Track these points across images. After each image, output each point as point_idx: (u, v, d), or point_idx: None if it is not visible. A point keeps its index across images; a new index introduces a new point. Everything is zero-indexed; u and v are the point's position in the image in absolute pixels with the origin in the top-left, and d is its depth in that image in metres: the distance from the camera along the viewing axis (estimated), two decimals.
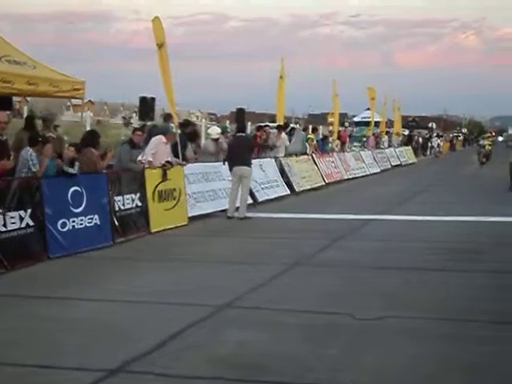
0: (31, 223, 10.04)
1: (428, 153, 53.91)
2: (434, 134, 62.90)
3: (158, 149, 13.86)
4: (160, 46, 15.08)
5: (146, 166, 13.45)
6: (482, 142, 44.36)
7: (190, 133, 16.86)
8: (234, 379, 5.36)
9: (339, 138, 31.62)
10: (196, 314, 7.14)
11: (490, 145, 44.18)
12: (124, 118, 19.56)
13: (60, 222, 10.57)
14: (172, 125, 15.08)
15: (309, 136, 26.74)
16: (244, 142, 16.01)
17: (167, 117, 16.52)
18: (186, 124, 17.40)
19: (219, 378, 5.35)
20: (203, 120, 36.15)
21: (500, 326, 6.87)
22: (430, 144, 55.49)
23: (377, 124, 40.88)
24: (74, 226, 10.84)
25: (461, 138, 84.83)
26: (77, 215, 10.95)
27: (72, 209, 10.88)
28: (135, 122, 22.23)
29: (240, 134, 16.57)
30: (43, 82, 12.66)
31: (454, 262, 10.24)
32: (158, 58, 15.08)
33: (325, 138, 29.91)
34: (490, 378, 5.45)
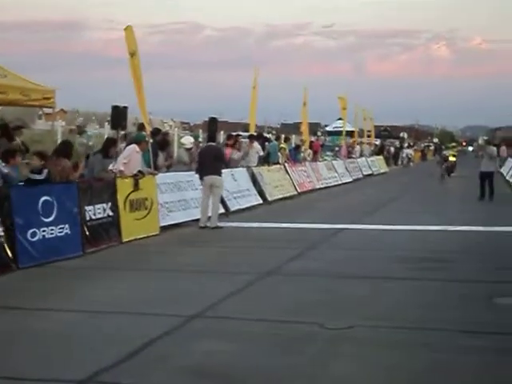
0: (0, 233, 9.98)
1: (400, 162, 54.35)
2: (405, 145, 63.23)
3: (131, 158, 13.84)
4: (132, 54, 15.09)
5: (118, 175, 13.43)
6: (445, 153, 39.10)
7: (160, 141, 16.87)
8: None
9: (311, 147, 31.78)
10: (166, 324, 7.15)
11: (454, 155, 38.96)
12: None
13: (30, 231, 10.52)
14: (145, 133, 15.08)
15: (281, 145, 26.87)
16: (214, 152, 16.00)
17: (141, 126, 16.51)
18: (156, 132, 17.39)
19: None
20: (176, 129, 36.06)
21: (465, 335, 6.95)
22: (400, 154, 55.80)
23: (349, 133, 41.17)
24: (44, 236, 10.80)
25: (432, 147, 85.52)
26: (47, 225, 10.91)
27: (42, 218, 10.84)
28: (107, 131, 22.12)
29: (210, 143, 16.59)
30: (13, 91, 12.64)
31: (422, 270, 10.33)
32: (131, 66, 15.08)
33: (297, 147, 30.07)
34: None
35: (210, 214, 15.44)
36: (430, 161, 66.71)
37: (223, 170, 17.32)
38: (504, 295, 8.63)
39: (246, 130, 27.52)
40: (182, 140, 19.22)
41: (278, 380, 5.56)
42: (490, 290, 8.92)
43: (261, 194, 21.27)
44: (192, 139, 18.65)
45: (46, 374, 5.65)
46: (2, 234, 9.99)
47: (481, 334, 6.93)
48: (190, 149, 17.73)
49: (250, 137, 23.03)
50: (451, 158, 42.79)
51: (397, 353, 6.31)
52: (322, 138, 43.10)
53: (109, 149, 13.97)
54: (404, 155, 56.34)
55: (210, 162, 15.52)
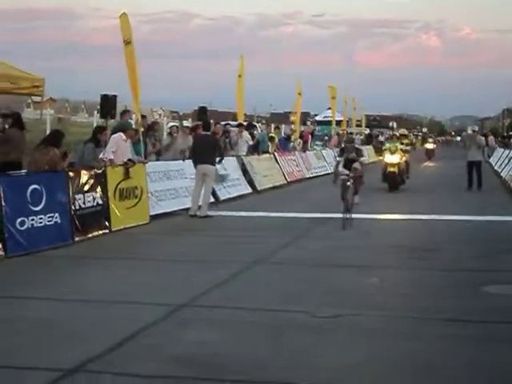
0: None
1: None
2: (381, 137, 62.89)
3: (117, 146, 13.79)
4: (127, 42, 15.04)
5: (108, 164, 13.39)
6: (388, 147, 23.15)
7: (146, 128, 16.85)
8: (191, 378, 5.39)
9: (301, 137, 31.79)
10: (154, 313, 7.15)
11: (405, 152, 24.83)
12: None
13: (19, 220, 10.49)
14: (131, 121, 15.03)
15: (271, 134, 26.86)
16: (209, 141, 16.00)
17: (124, 113, 16.46)
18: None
19: (176, 377, 5.38)
20: (165, 118, 35.99)
21: (454, 324, 6.99)
22: None
23: (338, 123, 41.18)
24: (33, 225, 10.77)
25: (420, 137, 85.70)
26: (36, 213, 10.87)
27: (31, 207, 10.81)
28: (96, 119, 22.05)
29: (205, 132, 16.55)
30: (1, 79, 12.58)
31: (410, 259, 10.37)
32: (125, 54, 15.02)
33: (288, 137, 30.03)
34: (442, 377, 5.55)
35: (200, 203, 15.44)
36: (418, 150, 67.01)
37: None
38: (492, 283, 8.68)
39: (236, 119, 27.50)
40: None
41: (266, 368, 5.57)
42: (478, 279, 8.96)
43: (250, 183, 21.28)
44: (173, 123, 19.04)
45: (34, 363, 5.65)
46: None
47: (469, 323, 6.98)
48: (177, 127, 18.07)
49: (239, 125, 22.98)
50: (429, 146, 48.25)
51: (383, 341, 6.33)
52: (312, 127, 42.99)
53: (100, 137, 13.92)
54: None
55: (204, 151, 15.51)
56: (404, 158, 23.11)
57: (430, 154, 47.93)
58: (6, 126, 13.35)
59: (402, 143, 24.80)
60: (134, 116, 16.82)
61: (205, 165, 15.47)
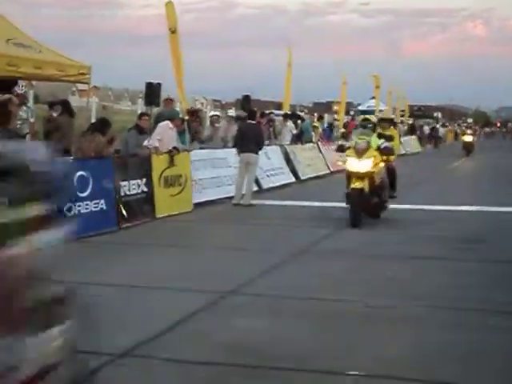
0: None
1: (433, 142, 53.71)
2: (438, 125, 62.33)
3: (164, 134, 13.85)
4: (172, 31, 15.12)
5: (153, 151, 13.45)
6: (354, 142, 13.13)
7: (194, 119, 16.95)
8: (240, 365, 5.38)
9: (346, 127, 31.55)
10: (202, 300, 7.16)
11: (385, 153, 13.31)
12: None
13: (66, 206, 10.58)
14: (178, 110, 15.10)
15: (314, 124, 26.74)
16: (254, 130, 16.01)
17: (166, 102, 16.52)
18: (191, 111, 17.54)
19: (225, 364, 5.38)
20: (208, 107, 36.08)
21: (502, 316, 6.87)
22: (432, 134, 54.76)
23: (382, 113, 40.82)
24: (79, 211, 10.87)
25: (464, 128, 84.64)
26: (82, 200, 10.97)
27: (78, 193, 10.90)
28: (141, 107, 22.17)
29: (250, 121, 16.54)
30: (49, 66, 12.68)
31: (457, 250, 10.23)
32: (170, 43, 15.10)
33: (330, 125, 29.78)
34: (486, 366, 5.46)
35: (244, 192, 15.44)
36: (449, 144, 66.28)
37: None
38: None
39: (279, 109, 27.46)
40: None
41: (315, 357, 5.54)
42: None
43: (293, 172, 21.22)
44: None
45: (82, 347, 5.67)
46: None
47: None
48: (218, 117, 18.02)
49: (285, 116, 22.96)
50: (467, 139, 39.10)
51: (431, 331, 6.26)
52: (357, 117, 42.59)
53: (140, 123, 14.01)
54: (439, 134, 55.55)
55: (249, 140, 15.53)
56: (382, 165, 13.03)
57: (468, 148, 39.81)
58: (54, 114, 13.48)
59: (380, 136, 13.41)
60: (178, 104, 16.88)
61: (249, 153, 15.47)
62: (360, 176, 12.34)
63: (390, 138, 13.58)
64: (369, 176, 12.38)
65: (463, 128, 58.52)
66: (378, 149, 12.82)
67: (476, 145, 42.68)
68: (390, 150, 13.31)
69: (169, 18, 15.18)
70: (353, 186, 12.27)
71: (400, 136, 28.84)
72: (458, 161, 34.40)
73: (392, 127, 16.25)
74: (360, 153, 12.46)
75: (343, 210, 12.62)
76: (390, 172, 13.82)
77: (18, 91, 12.03)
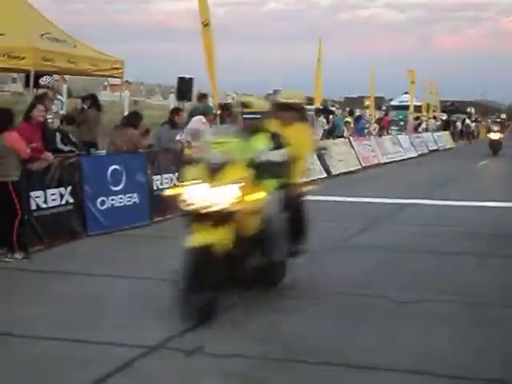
0: (71, 201, 10.16)
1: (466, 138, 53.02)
2: (468, 120, 61.27)
3: (197, 129, 13.86)
4: (205, 24, 15.14)
5: (185, 145, 13.48)
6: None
7: (225, 115, 16.95)
8: (271, 358, 5.40)
9: (380, 122, 31.34)
10: (233, 293, 7.16)
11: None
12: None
13: (99, 200, 10.67)
14: (212, 106, 15.11)
15: (346, 119, 26.62)
16: None
17: (201, 97, 16.53)
18: (225, 107, 17.52)
19: (256, 358, 5.41)
20: None
21: None
22: (464, 129, 53.75)
23: (416, 108, 40.55)
24: (113, 205, 10.95)
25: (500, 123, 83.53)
26: (116, 193, 11.05)
27: (111, 187, 10.98)
28: (173, 102, 22.26)
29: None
30: (83, 61, 12.77)
31: (490, 247, 10.14)
32: (203, 36, 15.13)
33: (358, 117, 29.20)
34: None
35: None
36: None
37: None
38: None
39: (310, 103, 27.38)
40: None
41: (344, 351, 5.54)
42: None
43: (325, 167, 21.14)
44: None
45: (118, 339, 5.74)
46: (73, 202, 10.17)
47: None
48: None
49: (317, 111, 22.92)
50: (493, 136, 32.60)
51: (464, 327, 6.23)
52: (390, 113, 42.19)
53: (174, 118, 14.03)
54: (470, 129, 54.75)
55: None
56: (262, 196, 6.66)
57: (495, 147, 33.92)
58: (85, 107, 13.61)
59: (272, 136, 7.04)
60: (210, 99, 16.90)
61: None
62: (211, 218, 6.37)
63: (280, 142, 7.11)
64: (230, 219, 6.38)
65: (489, 124, 50.82)
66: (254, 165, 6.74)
67: (505, 143, 36.28)
68: (279, 166, 6.94)
69: (201, 11, 15.22)
70: (193, 241, 6.37)
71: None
72: (483, 160, 30.12)
73: (301, 120, 8.22)
74: (212, 173, 6.51)
75: (375, 205, 12.55)
76: (296, 210, 7.64)
77: (42, 83, 12.12)
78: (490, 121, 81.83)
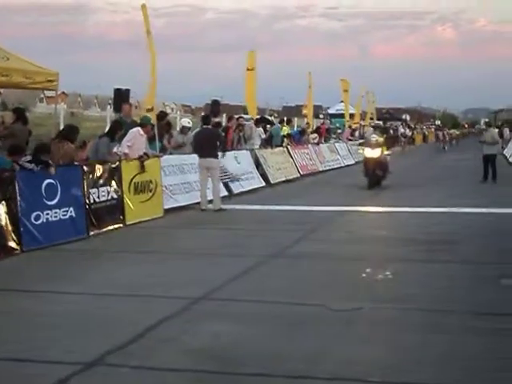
0: (4, 216, 9.96)
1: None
2: (401, 127, 61.99)
3: (134, 141, 13.80)
4: (148, 33, 15.31)
5: (122, 157, 13.39)
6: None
7: (164, 125, 16.93)
8: (210, 371, 5.37)
9: (318, 132, 31.56)
10: (172, 306, 7.14)
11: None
12: None
13: (34, 214, 10.50)
14: (150, 117, 15.03)
15: (284, 128, 26.83)
16: (209, 134, 15.98)
17: (149, 110, 16.49)
18: (162, 116, 17.51)
19: (195, 371, 5.37)
20: (178, 112, 36.01)
21: (474, 317, 6.93)
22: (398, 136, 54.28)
23: (351, 116, 41.04)
24: (48, 219, 10.78)
25: (433, 130, 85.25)
26: (51, 208, 10.89)
27: (46, 201, 10.81)
28: (109, 114, 22.05)
29: (205, 126, 16.50)
30: (16, 74, 12.57)
31: (427, 252, 10.29)
32: (148, 44, 15.28)
33: (302, 131, 29.55)
34: (462, 367, 5.50)
35: (210, 197, 15.42)
36: (431, 142, 66.97)
37: (227, 153, 17.60)
38: (511, 277, 8.62)
39: (247, 113, 27.47)
40: (182, 121, 19.23)
41: (286, 361, 5.55)
42: (496, 272, 8.89)
43: (263, 176, 21.25)
44: (189, 120, 18.80)
45: (52, 356, 5.65)
46: (7, 217, 9.99)
47: (490, 316, 6.93)
48: (189, 129, 17.79)
49: (256, 121, 23.13)
50: (368, 154, 20.58)
51: (402, 333, 6.30)
52: (328, 121, 42.58)
53: (116, 132, 13.85)
54: (406, 136, 55.59)
55: (205, 145, 15.55)
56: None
57: (372, 172, 20.34)
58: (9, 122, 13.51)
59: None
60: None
61: (207, 158, 15.47)
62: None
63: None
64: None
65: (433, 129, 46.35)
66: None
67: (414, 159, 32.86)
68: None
69: (145, 20, 15.33)
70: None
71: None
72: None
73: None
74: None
75: (313, 214, 12.67)
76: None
77: None
78: (425, 127, 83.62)
